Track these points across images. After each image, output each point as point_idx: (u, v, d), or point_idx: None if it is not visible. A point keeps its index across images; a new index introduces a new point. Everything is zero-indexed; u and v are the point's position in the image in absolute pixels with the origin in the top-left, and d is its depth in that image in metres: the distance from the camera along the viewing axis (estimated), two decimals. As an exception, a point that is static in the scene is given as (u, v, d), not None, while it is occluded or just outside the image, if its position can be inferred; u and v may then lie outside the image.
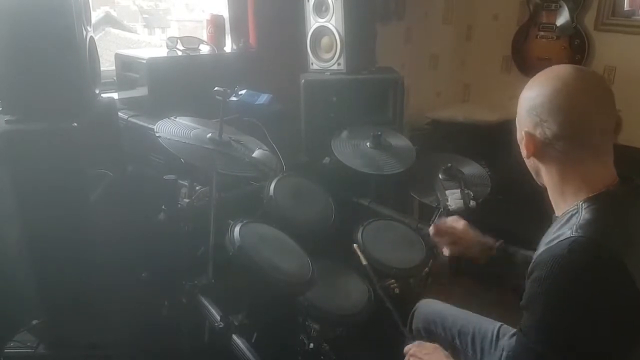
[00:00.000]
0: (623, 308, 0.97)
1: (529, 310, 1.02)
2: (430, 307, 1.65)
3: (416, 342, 1.43)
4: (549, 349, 0.98)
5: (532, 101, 1.07)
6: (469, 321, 1.55)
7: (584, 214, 1.02)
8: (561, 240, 0.99)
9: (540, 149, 1.08)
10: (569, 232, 1.00)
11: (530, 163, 1.16)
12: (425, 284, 2.02)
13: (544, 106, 1.05)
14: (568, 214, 1.06)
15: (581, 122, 1.04)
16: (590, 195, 1.05)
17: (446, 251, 1.51)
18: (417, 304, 1.67)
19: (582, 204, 1.05)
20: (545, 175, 1.13)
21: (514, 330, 1.43)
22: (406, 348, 1.42)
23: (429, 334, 1.60)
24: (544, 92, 1.06)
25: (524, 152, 1.13)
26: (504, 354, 1.44)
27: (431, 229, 1.52)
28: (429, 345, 1.39)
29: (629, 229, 1.04)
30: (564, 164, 1.08)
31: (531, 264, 1.05)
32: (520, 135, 1.11)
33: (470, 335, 1.53)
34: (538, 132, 1.07)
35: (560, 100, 1.03)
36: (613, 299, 0.96)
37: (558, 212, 1.13)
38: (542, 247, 1.07)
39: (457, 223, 1.51)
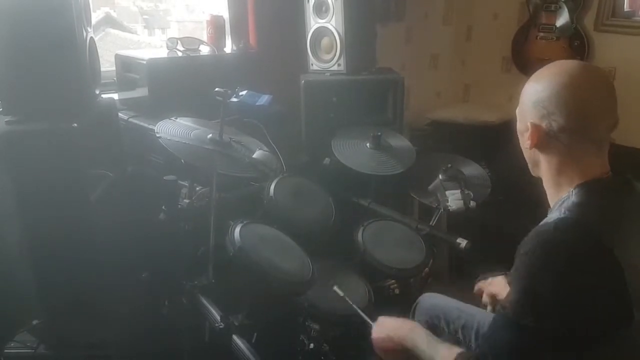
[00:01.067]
0: (603, 286, 0.98)
1: (512, 284, 1.05)
2: (432, 300, 1.64)
3: (375, 323, 1.41)
4: (527, 320, 0.99)
5: (538, 94, 1.09)
6: (473, 315, 1.56)
7: (573, 198, 1.06)
8: (549, 221, 1.03)
9: (545, 140, 1.10)
10: (557, 214, 1.03)
11: (530, 154, 1.17)
12: (425, 284, 2.02)
13: (551, 99, 1.06)
14: (560, 201, 1.09)
15: (587, 116, 1.06)
16: (581, 182, 1.08)
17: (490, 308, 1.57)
18: (419, 298, 1.67)
19: (573, 190, 1.08)
20: (544, 167, 1.15)
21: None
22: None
23: (432, 328, 1.60)
24: (551, 86, 1.07)
25: (526, 143, 1.14)
26: None
27: (475, 289, 1.61)
28: (390, 321, 1.39)
29: (615, 215, 1.06)
30: (565, 156, 1.10)
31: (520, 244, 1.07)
32: (524, 126, 1.13)
33: (474, 329, 1.53)
34: (544, 124, 1.08)
35: (567, 94, 1.05)
36: (593, 276, 0.98)
37: (552, 204, 1.15)
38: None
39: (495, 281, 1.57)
